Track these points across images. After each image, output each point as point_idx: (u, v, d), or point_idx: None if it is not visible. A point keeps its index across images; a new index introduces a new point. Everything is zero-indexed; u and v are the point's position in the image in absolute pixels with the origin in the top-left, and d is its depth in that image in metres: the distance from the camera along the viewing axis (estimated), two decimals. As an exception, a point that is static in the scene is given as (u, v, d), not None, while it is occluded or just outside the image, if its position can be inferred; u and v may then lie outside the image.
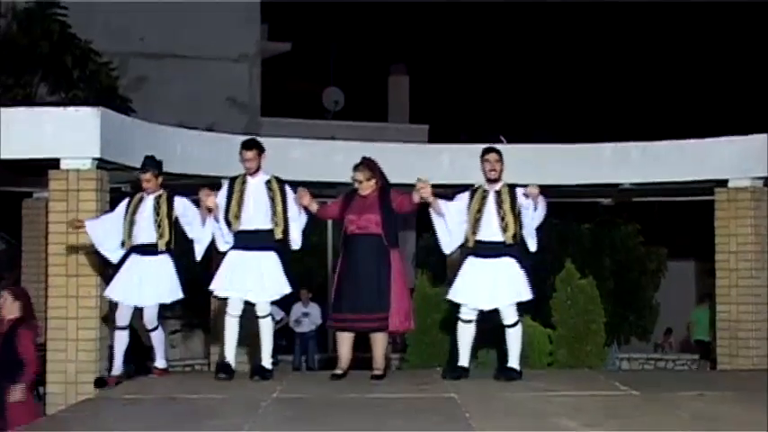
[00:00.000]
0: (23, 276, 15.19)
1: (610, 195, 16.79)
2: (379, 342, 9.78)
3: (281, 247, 9.77)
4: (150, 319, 10.08)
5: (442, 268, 15.01)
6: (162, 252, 9.93)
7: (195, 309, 16.23)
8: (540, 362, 12.90)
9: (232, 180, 9.92)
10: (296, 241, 9.89)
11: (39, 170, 11.73)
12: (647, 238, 20.87)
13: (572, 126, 26.60)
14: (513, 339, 9.59)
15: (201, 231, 9.88)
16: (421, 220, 15.05)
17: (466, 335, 9.66)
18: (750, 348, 13.68)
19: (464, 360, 9.70)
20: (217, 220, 9.77)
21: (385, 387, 9.25)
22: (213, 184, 10.87)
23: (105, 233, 10.10)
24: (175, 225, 10.02)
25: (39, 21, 17.58)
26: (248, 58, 25.46)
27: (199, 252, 9.96)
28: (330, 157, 13.89)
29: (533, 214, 9.49)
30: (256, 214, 9.69)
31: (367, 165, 9.87)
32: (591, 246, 20.17)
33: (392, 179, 14.00)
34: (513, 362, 9.62)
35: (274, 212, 9.70)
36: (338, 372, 9.73)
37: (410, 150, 14.90)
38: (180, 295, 10.09)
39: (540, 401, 8.41)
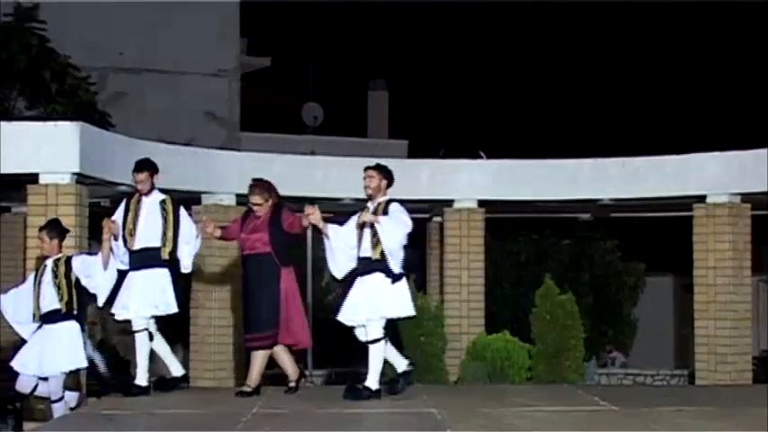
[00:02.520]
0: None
1: (589, 211, 16.84)
2: (259, 359, 9.59)
3: (171, 267, 9.70)
4: (55, 389, 9.74)
5: (422, 281, 15.02)
6: (65, 316, 9.68)
7: (175, 323, 16.12)
8: (520, 377, 12.91)
9: (128, 198, 9.85)
10: (186, 266, 9.86)
11: (17, 185, 11.67)
12: (626, 254, 20.91)
13: (552, 142, 26.67)
14: (372, 356, 9.25)
15: (103, 276, 9.70)
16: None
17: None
18: (728, 363, 13.73)
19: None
20: (116, 238, 9.68)
21: (364, 403, 9.20)
22: (191, 198, 10.78)
23: (15, 307, 9.97)
24: (78, 286, 9.77)
25: (17, 35, 17.47)
26: (227, 73, 25.38)
27: (102, 297, 9.76)
28: (311, 172, 13.91)
29: (381, 238, 9.25)
30: (147, 233, 9.62)
31: (261, 187, 9.70)
32: (570, 261, 20.19)
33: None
34: (369, 381, 9.24)
35: (164, 233, 9.63)
36: (246, 389, 9.63)
37: (389, 166, 14.86)
38: (83, 364, 9.87)
39: (519, 417, 8.41)
